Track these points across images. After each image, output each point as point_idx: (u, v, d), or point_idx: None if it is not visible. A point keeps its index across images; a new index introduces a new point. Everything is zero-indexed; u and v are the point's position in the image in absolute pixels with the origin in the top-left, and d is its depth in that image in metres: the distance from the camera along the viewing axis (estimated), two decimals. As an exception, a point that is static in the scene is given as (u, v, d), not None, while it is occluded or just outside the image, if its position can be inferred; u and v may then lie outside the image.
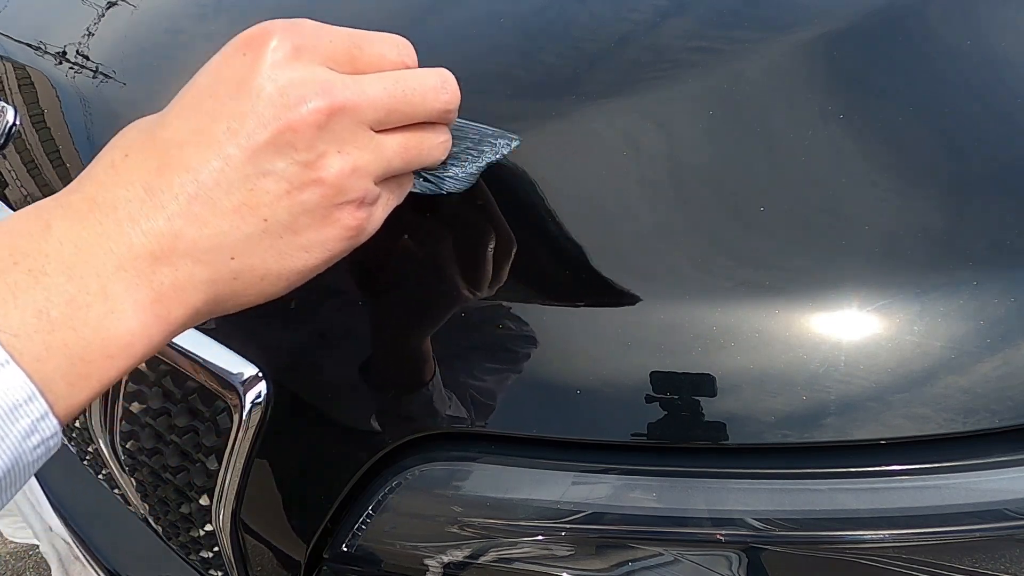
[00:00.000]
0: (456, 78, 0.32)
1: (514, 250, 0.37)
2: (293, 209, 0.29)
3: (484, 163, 0.35)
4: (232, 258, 0.29)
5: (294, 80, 0.29)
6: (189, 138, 0.29)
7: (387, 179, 0.32)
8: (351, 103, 0.29)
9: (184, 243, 0.28)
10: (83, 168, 0.30)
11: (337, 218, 0.30)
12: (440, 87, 0.32)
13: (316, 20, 0.31)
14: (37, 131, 0.54)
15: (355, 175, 0.30)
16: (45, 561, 0.70)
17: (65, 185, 0.30)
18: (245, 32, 0.30)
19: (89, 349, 0.27)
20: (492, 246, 0.37)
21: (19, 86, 0.59)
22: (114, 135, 0.30)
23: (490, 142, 0.35)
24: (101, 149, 0.29)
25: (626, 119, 0.40)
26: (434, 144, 0.33)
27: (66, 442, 0.57)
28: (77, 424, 0.53)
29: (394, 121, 0.31)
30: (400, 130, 0.31)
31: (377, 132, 0.31)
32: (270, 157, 0.29)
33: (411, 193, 0.34)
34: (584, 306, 0.36)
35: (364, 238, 0.32)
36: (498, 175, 0.37)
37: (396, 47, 0.32)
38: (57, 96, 0.54)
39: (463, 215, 0.38)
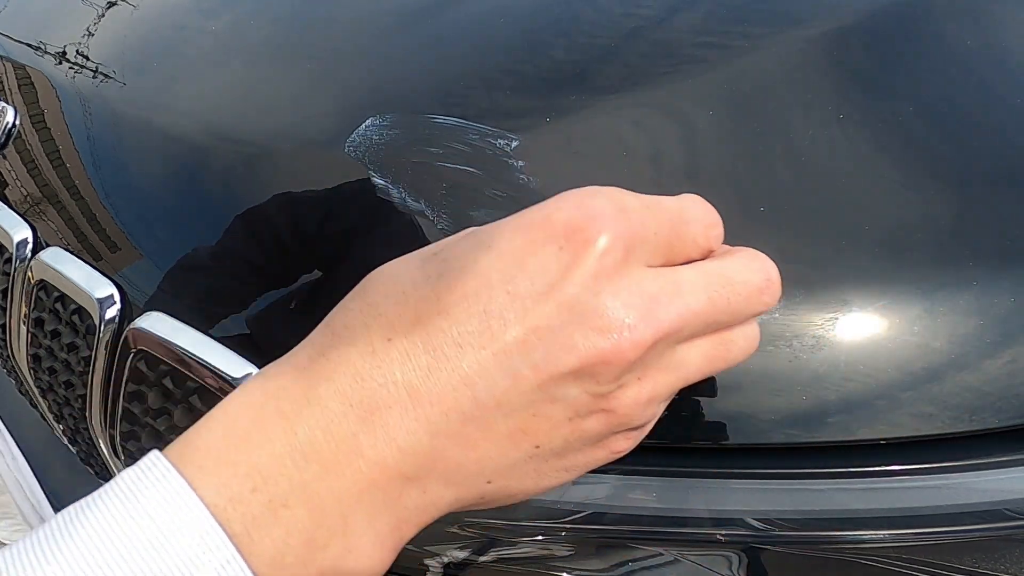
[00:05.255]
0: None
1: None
2: (570, 438, 0.25)
3: None
4: (488, 482, 0.25)
5: (619, 297, 0.23)
6: (471, 339, 0.23)
7: None
8: (675, 327, 0.24)
9: (443, 465, 0.24)
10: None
11: (609, 443, 0.26)
12: (764, 288, 0.26)
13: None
14: (37, 131, 0.54)
15: (649, 403, 0.25)
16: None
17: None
18: (563, 214, 0.24)
19: None
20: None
21: (19, 86, 0.59)
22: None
23: (489, 142, 0.35)
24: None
25: (625, 118, 0.40)
26: (740, 349, 0.27)
27: (66, 443, 0.57)
28: (78, 425, 0.53)
29: (708, 332, 0.26)
30: (707, 336, 0.26)
31: (682, 342, 0.25)
32: (566, 384, 0.23)
33: (408, 192, 0.34)
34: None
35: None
36: (499, 175, 0.37)
37: (707, 227, 0.26)
38: (57, 96, 0.54)
39: (464, 216, 0.38)
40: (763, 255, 0.27)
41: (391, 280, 0.25)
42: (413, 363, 0.23)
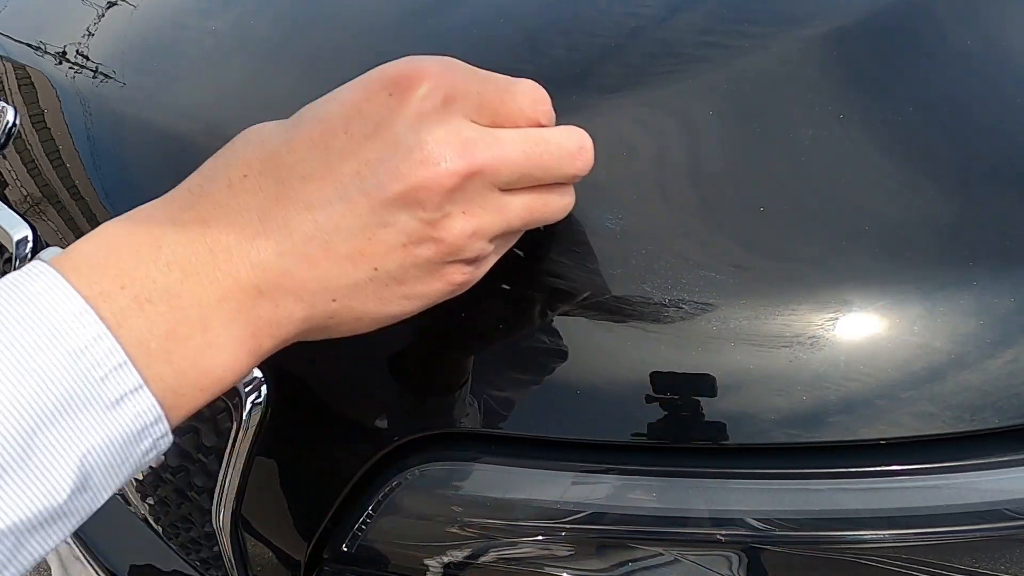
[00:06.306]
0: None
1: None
2: (405, 262, 0.28)
3: None
4: (333, 300, 0.29)
5: (436, 135, 0.27)
6: (313, 172, 0.28)
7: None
8: (489, 166, 0.28)
9: (290, 281, 0.28)
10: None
11: (445, 273, 0.29)
12: (577, 153, 0.31)
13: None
14: (37, 131, 0.54)
15: (474, 237, 0.29)
16: (45, 561, 0.70)
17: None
18: (394, 67, 0.28)
19: (183, 382, 0.27)
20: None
21: (19, 86, 0.59)
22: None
23: None
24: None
25: (626, 117, 0.40)
26: (558, 207, 0.32)
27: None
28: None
29: (524, 183, 0.30)
30: (526, 191, 0.30)
31: (504, 192, 0.30)
32: (395, 210, 0.27)
33: None
34: (583, 306, 0.36)
35: (465, 289, 0.31)
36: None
37: (535, 102, 0.30)
38: (57, 96, 0.54)
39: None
40: (582, 130, 0.31)
41: (254, 132, 0.30)
42: (264, 193, 0.28)
